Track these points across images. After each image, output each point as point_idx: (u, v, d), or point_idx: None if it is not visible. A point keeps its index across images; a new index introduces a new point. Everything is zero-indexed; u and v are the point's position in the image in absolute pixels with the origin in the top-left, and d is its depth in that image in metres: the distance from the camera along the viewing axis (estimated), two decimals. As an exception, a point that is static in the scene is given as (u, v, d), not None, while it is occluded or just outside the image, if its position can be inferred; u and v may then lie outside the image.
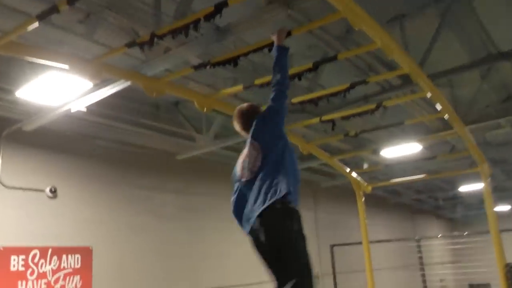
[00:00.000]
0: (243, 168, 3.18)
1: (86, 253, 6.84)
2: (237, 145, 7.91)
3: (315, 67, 3.91)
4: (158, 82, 4.06)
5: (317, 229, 11.87)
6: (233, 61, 3.67)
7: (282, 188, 2.85)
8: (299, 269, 2.84)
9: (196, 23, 3.02)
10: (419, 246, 9.25)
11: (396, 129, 8.02)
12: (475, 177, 12.66)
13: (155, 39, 3.21)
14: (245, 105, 3.41)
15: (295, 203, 2.91)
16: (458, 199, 17.47)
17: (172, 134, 7.41)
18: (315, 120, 5.40)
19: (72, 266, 6.61)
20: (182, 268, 8.32)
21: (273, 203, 2.83)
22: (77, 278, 6.62)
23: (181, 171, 8.61)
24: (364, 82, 4.25)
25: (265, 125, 3.15)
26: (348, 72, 6.00)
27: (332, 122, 5.27)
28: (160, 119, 7.17)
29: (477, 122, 7.61)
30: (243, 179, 3.15)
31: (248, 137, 3.24)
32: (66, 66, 3.44)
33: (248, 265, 9.55)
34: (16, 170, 6.30)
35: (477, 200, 17.14)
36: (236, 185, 3.27)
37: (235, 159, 8.82)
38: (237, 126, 3.40)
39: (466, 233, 13.25)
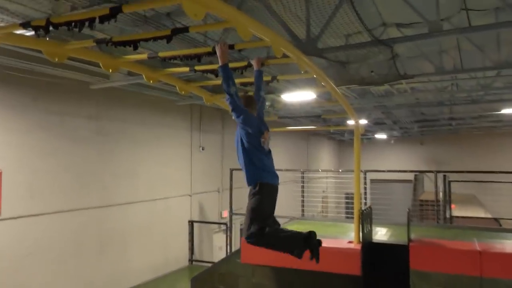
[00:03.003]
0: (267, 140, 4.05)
1: (-5, 175, 6.61)
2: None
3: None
4: (60, 47, 3.78)
5: (223, 152, 12.34)
6: (134, 44, 3.52)
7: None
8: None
9: (91, 21, 2.83)
10: (303, 175, 10.08)
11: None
12: (359, 114, 13.63)
13: (50, 26, 2.96)
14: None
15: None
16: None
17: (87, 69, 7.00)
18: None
19: (-19, 187, 6.40)
20: (94, 187, 8.37)
21: None
22: (-14, 198, 6.46)
23: (94, 99, 8.29)
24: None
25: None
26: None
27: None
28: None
29: (363, 84, 8.26)
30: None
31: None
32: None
33: (154, 183, 9.92)
34: None
35: (361, 129, 18.62)
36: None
37: (145, 89, 8.67)
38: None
39: (340, 170, 14.58)
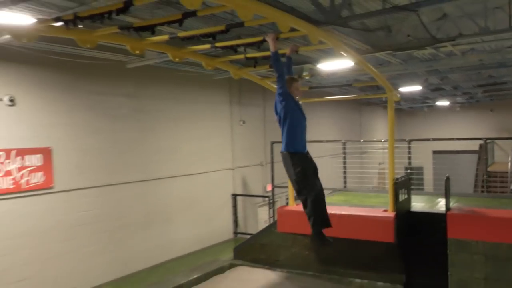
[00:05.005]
0: None
1: (47, 152, 7.72)
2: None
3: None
4: (90, 35, 4.60)
5: (265, 125, 13.04)
6: (151, 29, 4.26)
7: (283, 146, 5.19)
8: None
9: (110, 13, 3.57)
10: (344, 146, 10.56)
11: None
12: (413, 80, 13.74)
13: (77, 20, 3.75)
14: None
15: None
16: (401, 96, 18.71)
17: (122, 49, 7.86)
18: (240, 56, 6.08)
19: (35, 164, 7.54)
20: (136, 162, 9.38)
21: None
22: (40, 173, 7.60)
23: (131, 78, 9.22)
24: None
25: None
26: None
27: (254, 60, 6.06)
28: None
29: (403, 49, 8.60)
30: None
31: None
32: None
33: (195, 158, 10.84)
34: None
35: (418, 96, 18.58)
36: None
37: (180, 66, 9.44)
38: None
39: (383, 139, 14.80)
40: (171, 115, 10.16)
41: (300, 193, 5.15)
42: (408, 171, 9.63)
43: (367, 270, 7.77)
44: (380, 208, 7.86)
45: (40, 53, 7.38)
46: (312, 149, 13.31)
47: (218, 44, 5.40)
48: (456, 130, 21.67)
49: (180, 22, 4.06)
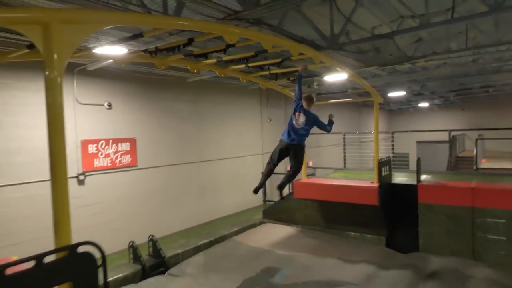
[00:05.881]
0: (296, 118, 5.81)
1: (132, 141, 8.48)
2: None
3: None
4: (164, 60, 5.23)
5: (286, 122, 13.42)
6: (205, 55, 4.83)
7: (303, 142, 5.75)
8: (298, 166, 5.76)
9: (179, 46, 4.16)
10: (344, 137, 10.88)
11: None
12: (399, 88, 13.81)
13: (157, 51, 4.37)
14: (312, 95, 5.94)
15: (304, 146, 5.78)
16: (390, 99, 18.71)
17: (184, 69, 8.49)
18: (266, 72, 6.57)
19: (125, 149, 8.31)
20: (193, 149, 10.02)
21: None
22: (128, 156, 8.36)
23: (191, 88, 9.83)
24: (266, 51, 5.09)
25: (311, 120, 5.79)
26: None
27: (276, 75, 6.52)
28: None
29: (386, 65, 8.83)
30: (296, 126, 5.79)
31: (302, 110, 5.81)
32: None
33: (235, 146, 11.39)
34: (86, 93, 7.61)
35: (404, 99, 18.50)
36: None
37: (225, 80, 10.00)
38: (306, 102, 5.86)
39: (372, 132, 14.93)
40: (218, 116, 10.74)
41: (297, 169, 5.94)
42: (392, 155, 9.88)
43: (359, 226, 8.10)
44: (369, 180, 8.20)
45: (129, 72, 8.11)
46: (322, 140, 13.82)
47: (250, 64, 5.90)
48: (435, 125, 21.45)
49: (224, 50, 4.62)
